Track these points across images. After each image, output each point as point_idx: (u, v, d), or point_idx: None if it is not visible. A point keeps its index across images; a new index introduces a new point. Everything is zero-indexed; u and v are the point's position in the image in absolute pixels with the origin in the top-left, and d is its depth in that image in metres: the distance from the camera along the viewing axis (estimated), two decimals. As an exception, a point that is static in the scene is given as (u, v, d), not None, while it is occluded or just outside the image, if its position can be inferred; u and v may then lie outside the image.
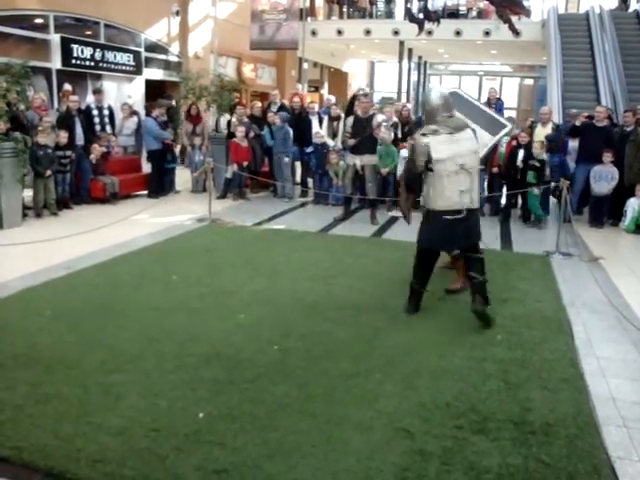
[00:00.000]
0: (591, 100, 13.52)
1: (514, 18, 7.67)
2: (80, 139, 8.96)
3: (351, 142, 7.98)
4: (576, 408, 3.28)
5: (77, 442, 2.81)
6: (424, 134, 4.49)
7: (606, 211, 8.69)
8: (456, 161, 4.40)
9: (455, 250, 4.89)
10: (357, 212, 9.02)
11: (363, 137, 7.82)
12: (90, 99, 11.00)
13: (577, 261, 6.61)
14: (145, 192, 9.87)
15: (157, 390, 3.33)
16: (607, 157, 8.40)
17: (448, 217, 4.42)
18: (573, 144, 9.01)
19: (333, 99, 10.94)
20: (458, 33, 18.36)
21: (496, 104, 10.78)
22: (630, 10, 17.80)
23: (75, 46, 12.99)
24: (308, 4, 19.39)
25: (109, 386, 3.35)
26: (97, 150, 9.06)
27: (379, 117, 8.19)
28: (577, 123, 8.98)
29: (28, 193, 8.00)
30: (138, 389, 3.33)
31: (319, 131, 9.73)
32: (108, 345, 3.91)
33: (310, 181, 10.39)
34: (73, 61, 12.99)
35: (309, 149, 9.92)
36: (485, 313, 4.45)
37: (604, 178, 8.45)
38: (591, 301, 5.18)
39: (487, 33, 17.84)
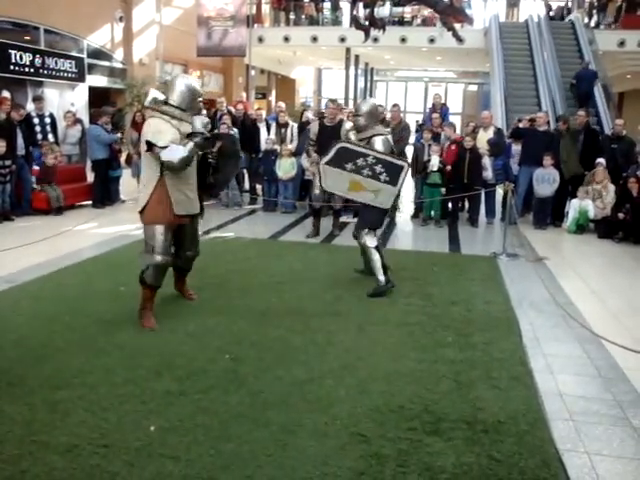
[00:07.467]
0: (532, 105, 13.99)
1: (457, 26, 7.82)
2: (21, 149, 8.65)
3: (314, 157, 7.22)
4: (526, 405, 3.35)
5: (22, 463, 2.70)
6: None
7: (549, 213, 8.97)
8: None
9: None
10: (307, 219, 9.02)
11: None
12: (30, 107, 10.66)
13: (523, 262, 6.79)
14: (90, 202, 9.62)
15: (106, 405, 3.23)
16: (547, 160, 8.67)
17: None
18: (516, 147, 9.27)
19: (283, 106, 10.92)
20: (403, 40, 18.69)
21: (441, 110, 10.99)
22: (565, 20, 18.49)
23: (13, 52, 12.60)
24: (254, 11, 19.36)
25: (55, 403, 3.23)
26: (50, 154, 8.82)
27: (347, 124, 7.33)
28: (520, 125, 9.22)
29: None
30: (86, 404, 3.22)
31: (271, 137, 9.70)
32: (54, 360, 3.78)
33: (259, 188, 10.35)
34: (11, 67, 12.60)
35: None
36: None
37: (546, 180, 8.72)
38: (537, 301, 5.32)
39: (432, 40, 18.21)
